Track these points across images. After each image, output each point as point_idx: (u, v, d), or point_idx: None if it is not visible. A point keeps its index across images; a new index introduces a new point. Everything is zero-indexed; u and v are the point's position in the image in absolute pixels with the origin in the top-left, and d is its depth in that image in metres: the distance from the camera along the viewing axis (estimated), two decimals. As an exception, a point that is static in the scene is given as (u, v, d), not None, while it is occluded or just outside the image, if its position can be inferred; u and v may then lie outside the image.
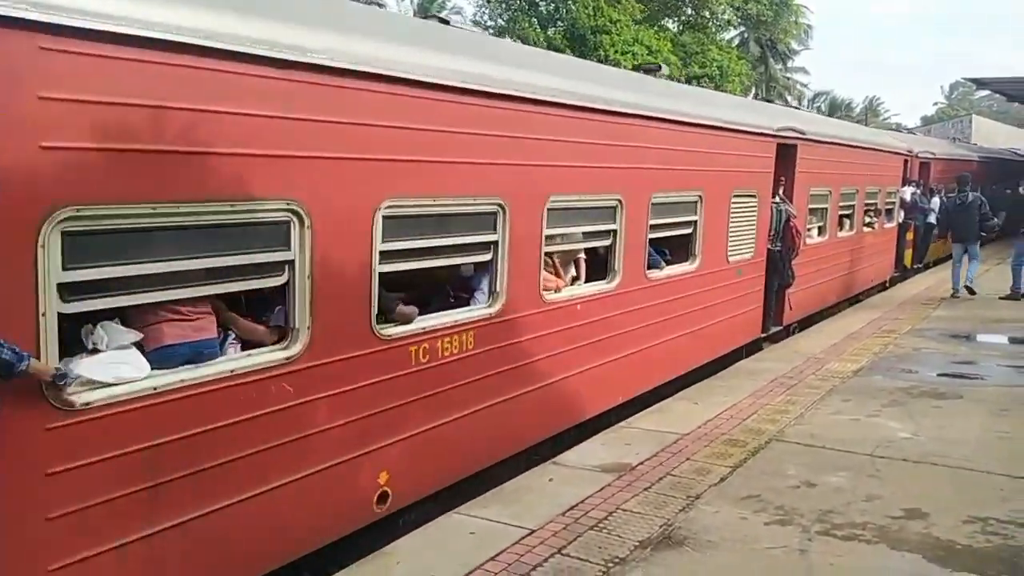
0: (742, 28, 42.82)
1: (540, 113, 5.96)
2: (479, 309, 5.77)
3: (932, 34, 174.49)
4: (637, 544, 4.86)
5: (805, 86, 52.89)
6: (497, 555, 4.71)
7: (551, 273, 6.56)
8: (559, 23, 31.15)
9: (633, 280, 7.52)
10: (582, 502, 5.50)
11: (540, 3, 32.09)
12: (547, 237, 6.26)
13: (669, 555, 4.73)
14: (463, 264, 5.76)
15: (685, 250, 8.65)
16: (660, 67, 9.17)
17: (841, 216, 13.41)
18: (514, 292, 5.94)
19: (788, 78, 49.35)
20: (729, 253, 9.45)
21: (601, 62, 21.37)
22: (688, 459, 6.32)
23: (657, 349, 8.05)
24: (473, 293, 5.83)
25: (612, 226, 7.18)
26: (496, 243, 5.80)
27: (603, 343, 7.15)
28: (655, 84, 8.70)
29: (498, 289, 5.86)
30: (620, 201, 7.16)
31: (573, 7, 29.78)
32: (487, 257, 5.77)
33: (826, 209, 12.62)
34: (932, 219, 17.77)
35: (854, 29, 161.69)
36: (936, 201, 17.83)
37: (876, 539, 4.89)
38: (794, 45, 46.98)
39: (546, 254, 6.32)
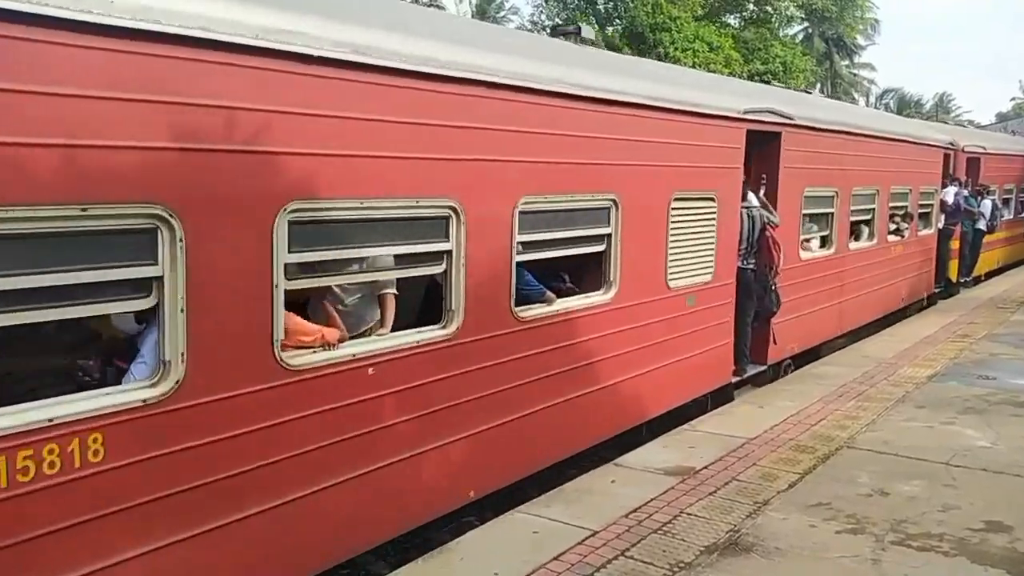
0: (806, 23, 41.81)
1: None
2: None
3: (1009, 27, 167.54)
4: (703, 549, 4.77)
5: (872, 83, 51.38)
6: (560, 555, 4.69)
7: None
8: (617, 21, 30.94)
9: (482, 323, 5.23)
10: (645, 504, 5.43)
11: (598, 2, 31.93)
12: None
13: (736, 561, 4.63)
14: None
15: (597, 274, 6.40)
16: (579, 28, 7.33)
17: (855, 223, 10.96)
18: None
19: (854, 74, 48.02)
20: (670, 276, 7.08)
21: (660, 60, 21.13)
22: (754, 464, 6.18)
23: (528, 421, 5.66)
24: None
25: (444, 245, 4.95)
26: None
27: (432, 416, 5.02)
28: (563, 50, 6.63)
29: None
30: (454, 209, 4.94)
31: (632, 5, 29.53)
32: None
33: (830, 215, 10.12)
34: (982, 225, 15.60)
35: (924, 23, 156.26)
36: (987, 204, 15.73)
37: (955, 551, 4.71)
38: (860, 40, 45.71)
39: None
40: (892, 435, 6.83)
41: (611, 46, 25.91)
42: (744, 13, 35.60)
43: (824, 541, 4.88)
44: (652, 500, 5.51)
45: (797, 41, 39.69)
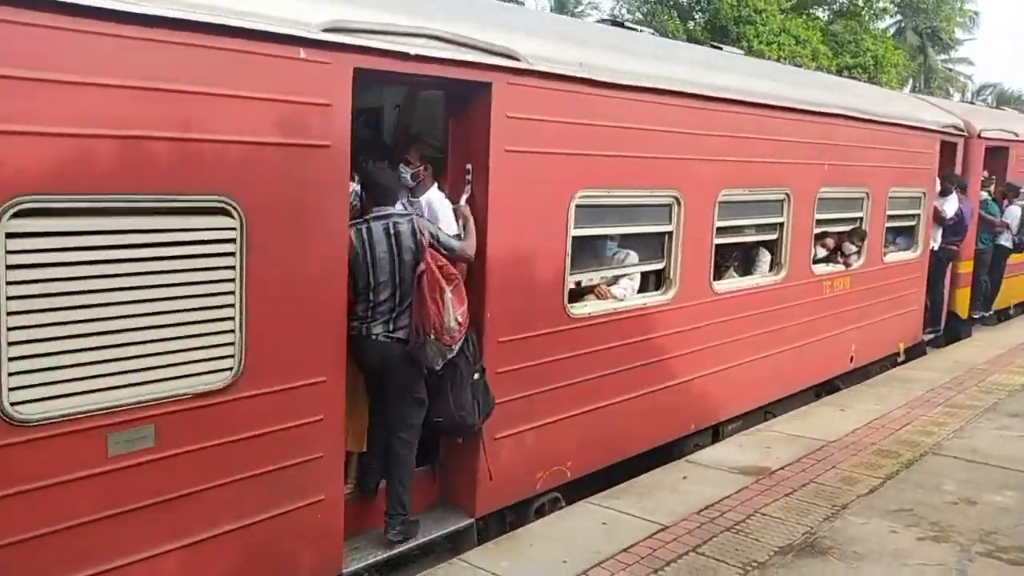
0: (899, 16, 40.11)
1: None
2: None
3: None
4: (777, 549, 4.68)
5: (969, 78, 48.84)
6: (630, 547, 4.68)
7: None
8: (699, 14, 30.34)
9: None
10: (718, 502, 5.36)
11: (680, -5, 31.37)
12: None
13: (812, 563, 4.53)
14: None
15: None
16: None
17: (725, 248, 6.93)
18: None
19: (950, 69, 45.76)
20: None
21: (746, 54, 20.64)
22: (834, 467, 6.01)
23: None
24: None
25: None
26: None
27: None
28: None
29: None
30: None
31: (715, -3, 28.90)
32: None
33: (666, 236, 6.16)
34: (1006, 240, 11.42)
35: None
36: (1015, 212, 11.39)
37: (1049, 566, 4.48)
38: (958, 34, 43.49)
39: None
40: (981, 443, 6.53)
41: (693, 39, 25.47)
42: (833, 6, 34.39)
43: (905, 548, 4.71)
44: (725, 498, 5.43)
45: (889, 35, 38.09)
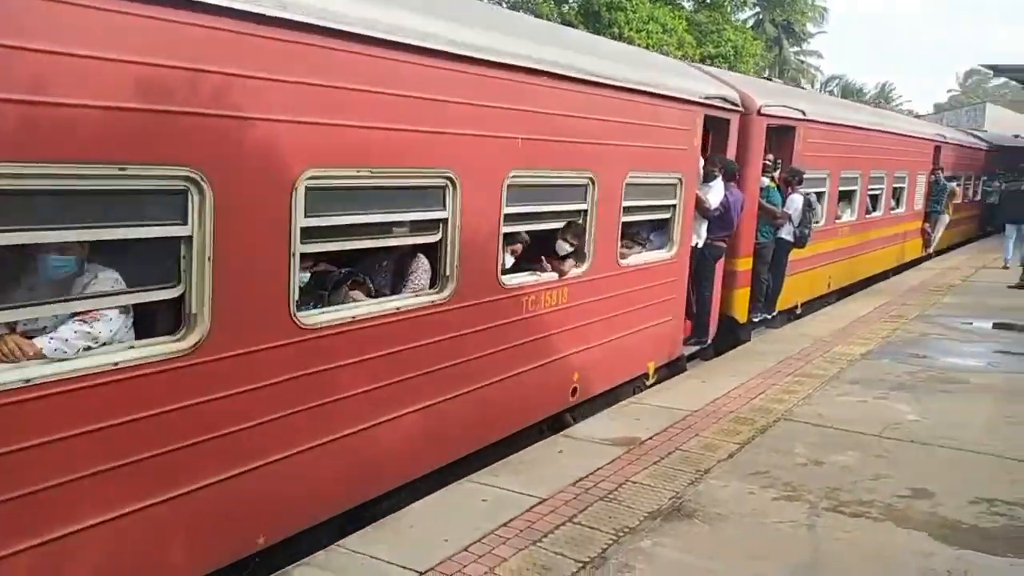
0: (758, 8, 42.41)
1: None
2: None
3: (948, 20, 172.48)
4: (647, 515, 4.93)
5: (818, 70, 52.42)
6: (510, 521, 4.79)
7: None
8: (573, -1, 30.86)
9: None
10: (592, 473, 5.57)
11: (554, -22, 31.73)
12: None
13: (679, 526, 4.81)
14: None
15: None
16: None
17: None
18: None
19: (802, 61, 48.92)
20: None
21: (615, 39, 21.18)
22: (697, 435, 6.38)
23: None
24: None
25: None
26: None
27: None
28: None
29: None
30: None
31: (588, -18, 29.47)
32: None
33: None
34: (787, 233, 10.16)
35: (869, 13, 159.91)
36: (797, 201, 10.06)
37: (882, 517, 4.96)
38: (810, 27, 46.55)
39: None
40: (827, 409, 7.12)
41: (567, 23, 25.87)
42: (697, -4, 35.91)
43: (762, 507, 5.09)
44: (598, 469, 5.65)
45: (748, 26, 40.22)
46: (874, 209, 14.23)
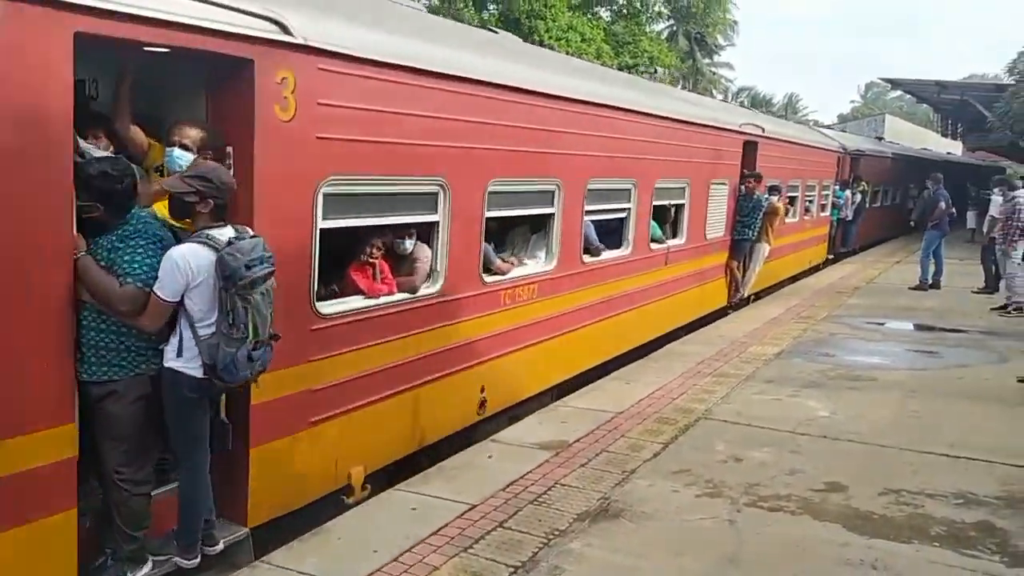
0: (672, 21, 43.62)
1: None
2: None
3: (850, 34, 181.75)
4: (576, 517, 4.99)
5: (730, 81, 54.31)
6: (440, 529, 4.76)
7: None
8: (494, 6, 31.03)
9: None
10: (522, 478, 5.60)
11: (475, -15, 31.84)
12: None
13: (607, 526, 4.88)
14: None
15: None
16: None
17: None
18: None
19: (714, 72, 50.54)
20: None
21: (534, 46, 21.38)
22: (623, 436, 6.50)
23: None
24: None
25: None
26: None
27: None
28: None
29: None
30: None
31: (508, -10, 29.70)
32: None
33: None
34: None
35: (776, 27, 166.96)
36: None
37: (800, 510, 5.17)
38: (721, 40, 48.16)
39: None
40: (744, 407, 7.37)
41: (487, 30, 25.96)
42: (614, 7, 36.67)
43: (686, 504, 5.23)
44: (528, 473, 5.69)
45: (663, 37, 41.34)
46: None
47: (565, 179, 7.41)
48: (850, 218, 19.69)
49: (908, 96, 43.87)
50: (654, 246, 9.61)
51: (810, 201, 16.73)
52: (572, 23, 29.44)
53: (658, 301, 9.89)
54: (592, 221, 8.20)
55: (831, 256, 19.35)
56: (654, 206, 9.33)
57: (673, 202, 10.19)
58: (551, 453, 6.10)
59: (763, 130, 12.83)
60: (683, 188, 10.23)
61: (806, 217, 16.55)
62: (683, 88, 31.86)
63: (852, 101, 78.86)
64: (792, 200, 15.34)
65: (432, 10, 30.56)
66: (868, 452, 6.28)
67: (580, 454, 6.10)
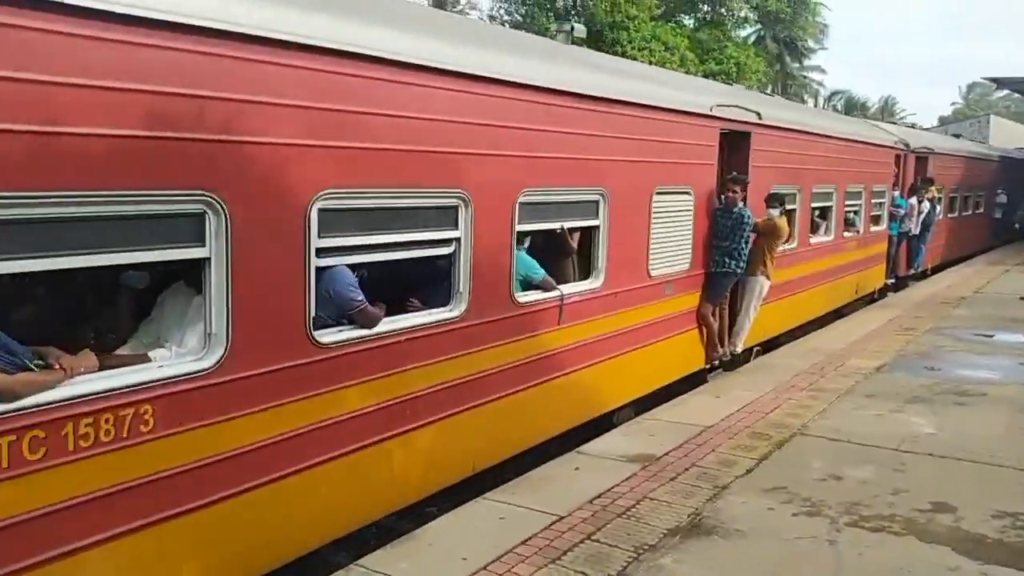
0: (759, 25, 42.66)
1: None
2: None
3: (952, 34, 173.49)
4: (666, 532, 4.89)
5: (821, 85, 52.66)
6: (528, 539, 4.76)
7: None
8: (575, 18, 31.10)
9: None
10: (609, 490, 5.53)
11: (557, -2, 32.03)
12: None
13: (698, 543, 4.76)
14: None
15: None
16: None
17: None
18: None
19: (804, 76, 49.13)
20: None
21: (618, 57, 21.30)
22: (713, 451, 6.34)
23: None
24: None
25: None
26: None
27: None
28: None
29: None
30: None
31: (590, 2, 29.73)
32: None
33: None
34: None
35: (872, 28, 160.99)
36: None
37: (905, 531, 4.91)
38: (811, 43, 46.76)
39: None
40: (843, 423, 7.07)
41: (573, 43, 26.03)
42: (699, 14, 36.16)
43: (782, 523, 5.05)
44: (615, 486, 5.62)
45: (750, 43, 40.45)
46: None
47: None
48: (916, 232, 15.96)
49: (1016, 95, 41.41)
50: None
51: (854, 213, 13.11)
52: (655, 32, 29.18)
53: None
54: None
55: (891, 280, 15.54)
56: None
57: (578, 223, 6.63)
58: (639, 466, 6.01)
59: (758, 116, 9.16)
60: (596, 202, 6.67)
61: (847, 234, 12.82)
62: (770, 93, 31.08)
63: (953, 103, 75.08)
64: (823, 212, 11.93)
65: (515, 25, 30.91)
66: (978, 471, 5.92)
67: (669, 468, 5.99)
